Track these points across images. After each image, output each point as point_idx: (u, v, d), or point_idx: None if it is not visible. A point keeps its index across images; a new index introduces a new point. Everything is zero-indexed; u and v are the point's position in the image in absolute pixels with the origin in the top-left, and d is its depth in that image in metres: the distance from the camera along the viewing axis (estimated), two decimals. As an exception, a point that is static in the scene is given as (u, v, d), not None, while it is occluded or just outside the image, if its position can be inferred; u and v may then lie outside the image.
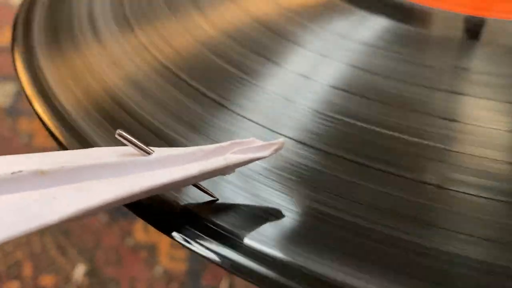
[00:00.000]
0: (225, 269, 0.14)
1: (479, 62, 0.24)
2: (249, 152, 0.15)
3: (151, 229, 0.61)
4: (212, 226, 0.15)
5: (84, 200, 0.13)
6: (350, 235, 0.16)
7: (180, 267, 0.56)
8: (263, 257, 0.14)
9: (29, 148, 0.72)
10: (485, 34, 0.26)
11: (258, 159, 0.15)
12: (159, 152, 0.14)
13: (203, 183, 0.15)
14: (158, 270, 0.56)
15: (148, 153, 0.14)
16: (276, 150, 0.15)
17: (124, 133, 0.14)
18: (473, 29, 0.27)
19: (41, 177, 0.13)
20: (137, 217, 0.56)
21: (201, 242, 0.14)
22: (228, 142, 0.15)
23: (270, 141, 0.15)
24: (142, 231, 0.60)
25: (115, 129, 0.21)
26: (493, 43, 0.26)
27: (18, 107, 0.80)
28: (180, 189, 0.15)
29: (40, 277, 0.56)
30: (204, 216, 0.15)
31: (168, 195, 0.15)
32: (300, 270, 0.15)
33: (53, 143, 0.69)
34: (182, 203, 0.16)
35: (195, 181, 0.15)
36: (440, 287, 0.15)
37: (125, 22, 0.28)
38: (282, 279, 0.14)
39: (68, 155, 0.15)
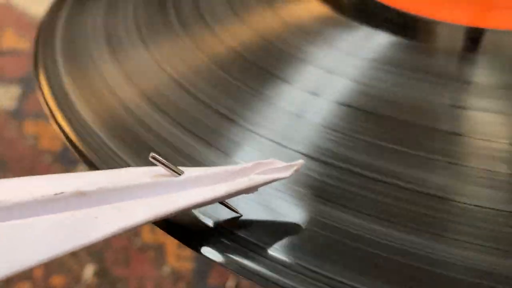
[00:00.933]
0: (251, 280, 0.15)
1: (481, 74, 0.25)
2: (271, 172, 0.16)
3: (158, 230, 0.62)
4: (237, 239, 0.16)
5: (123, 219, 0.14)
6: (357, 244, 0.17)
7: (187, 266, 0.57)
8: (285, 267, 0.15)
9: (35, 150, 0.73)
10: (486, 45, 0.27)
11: (280, 179, 0.16)
12: (188, 172, 0.15)
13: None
14: (166, 269, 0.57)
15: (179, 174, 0.15)
16: (296, 171, 0.16)
17: (157, 156, 0.15)
18: (474, 41, 0.28)
19: (81, 198, 0.14)
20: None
21: (231, 256, 0.15)
22: (251, 163, 0.16)
23: (290, 162, 0.16)
24: (149, 232, 0.61)
25: (131, 142, 0.22)
26: (494, 54, 0.27)
27: (23, 109, 0.80)
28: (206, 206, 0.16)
29: (51, 278, 0.57)
30: (230, 231, 0.16)
31: (195, 212, 0.16)
32: (316, 277, 0.16)
33: (58, 146, 0.69)
34: (209, 220, 0.17)
35: (221, 200, 0.16)
36: None
37: (139, 39, 0.29)
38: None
39: (102, 175, 0.16)
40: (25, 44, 0.96)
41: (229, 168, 0.16)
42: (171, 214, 0.15)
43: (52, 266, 0.58)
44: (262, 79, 0.24)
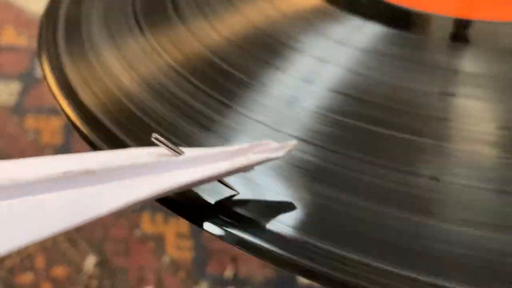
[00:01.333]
0: (247, 252, 0.16)
1: (469, 63, 0.26)
2: (266, 152, 0.17)
3: (158, 220, 0.62)
4: (235, 215, 0.16)
5: (128, 195, 0.15)
6: (349, 221, 0.18)
7: (186, 256, 0.58)
8: (280, 239, 0.17)
9: (36, 145, 0.74)
10: (473, 36, 0.28)
11: (274, 159, 0.17)
12: (189, 152, 0.16)
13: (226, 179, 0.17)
14: (165, 259, 0.58)
15: (180, 153, 0.16)
16: (290, 151, 0.17)
17: (158, 136, 0.16)
18: (462, 31, 0.29)
19: (89, 176, 0.15)
20: (144, 210, 0.57)
21: (229, 230, 0.16)
22: (248, 144, 0.17)
23: (284, 142, 0.17)
24: (149, 223, 0.62)
25: (132, 126, 0.23)
26: (481, 44, 0.28)
27: (24, 105, 0.81)
28: (206, 184, 0.17)
29: (53, 269, 0.58)
30: (228, 207, 0.17)
31: (195, 190, 0.17)
32: (309, 248, 0.17)
33: (59, 141, 0.69)
34: (210, 198, 0.18)
35: (220, 178, 0.17)
36: (431, 266, 0.17)
37: (137, 28, 0.29)
38: (295, 257, 0.16)
39: (108, 155, 0.17)
40: (24, 40, 0.97)
41: (227, 148, 0.17)
42: (173, 190, 0.16)
43: (54, 257, 0.59)
44: (256, 67, 0.25)
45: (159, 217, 0.62)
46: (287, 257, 0.16)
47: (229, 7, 0.30)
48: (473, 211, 0.19)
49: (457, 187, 0.20)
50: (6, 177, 0.14)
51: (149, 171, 0.16)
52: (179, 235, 0.60)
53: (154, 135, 0.16)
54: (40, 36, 0.29)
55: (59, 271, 0.58)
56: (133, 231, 0.61)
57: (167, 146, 0.16)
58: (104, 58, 0.27)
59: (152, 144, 0.17)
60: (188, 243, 0.59)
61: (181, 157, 0.16)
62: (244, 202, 0.17)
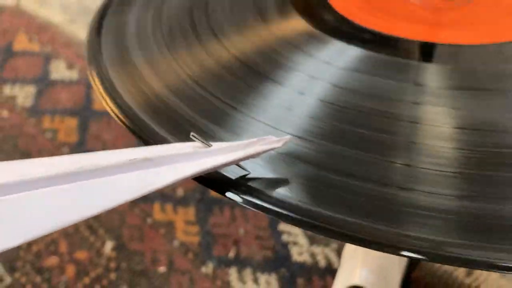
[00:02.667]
0: (257, 210, 0.22)
1: (432, 79, 0.33)
2: (269, 144, 0.23)
3: (168, 209, 0.69)
4: (248, 187, 0.23)
5: (175, 174, 0.22)
6: (335, 190, 0.24)
7: (194, 240, 0.65)
8: (285, 204, 0.23)
9: (54, 143, 0.80)
10: (437, 56, 0.35)
11: (275, 148, 0.23)
12: (215, 145, 0.23)
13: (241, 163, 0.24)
14: (176, 243, 0.65)
15: (209, 146, 0.23)
16: (286, 143, 0.24)
17: (195, 134, 0.22)
18: (427, 53, 0.35)
19: (148, 162, 0.22)
20: (155, 200, 0.64)
21: (243, 196, 0.22)
22: (256, 138, 0.23)
23: (281, 137, 0.24)
24: (160, 212, 0.68)
25: (161, 120, 0.29)
26: (443, 63, 0.34)
27: (40, 107, 0.87)
28: (228, 167, 0.23)
29: (75, 253, 0.65)
30: (243, 182, 0.23)
31: (220, 170, 0.24)
32: (297, 206, 0.23)
33: (75, 139, 0.76)
34: (229, 175, 0.24)
35: (236, 163, 0.23)
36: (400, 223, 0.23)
37: (164, 46, 0.36)
38: (297, 216, 0.23)
39: (160, 147, 0.23)
40: (36, 46, 1.03)
41: (241, 142, 0.23)
42: (205, 171, 0.22)
43: (76, 242, 0.65)
44: (259, 80, 0.31)
45: (169, 206, 0.69)
46: (281, 212, 0.22)
47: (236, 32, 0.37)
48: (435, 186, 0.25)
49: (423, 171, 0.26)
50: (91, 163, 0.21)
51: (189, 158, 0.22)
52: (187, 222, 0.67)
53: (192, 133, 0.22)
54: (89, 53, 0.35)
55: (82, 255, 0.64)
56: (146, 219, 0.67)
57: (201, 141, 0.23)
58: (140, 69, 0.34)
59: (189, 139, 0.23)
60: (195, 229, 0.66)
61: (210, 149, 0.23)
62: (253, 179, 0.23)
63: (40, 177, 0.20)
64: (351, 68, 0.31)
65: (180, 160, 0.23)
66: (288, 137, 0.24)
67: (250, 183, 0.24)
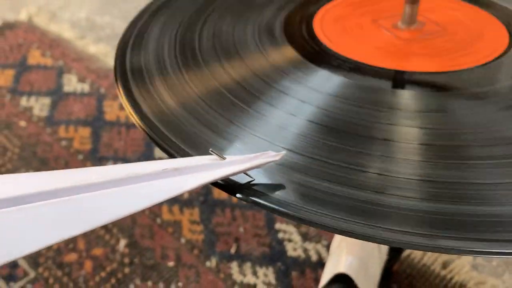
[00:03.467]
0: (259, 206, 0.28)
1: (404, 101, 0.39)
2: (268, 158, 0.30)
3: (175, 211, 0.75)
4: (251, 190, 0.29)
5: (198, 181, 0.28)
6: (323, 194, 0.30)
7: (199, 238, 0.71)
8: (282, 203, 0.29)
9: (69, 150, 0.86)
10: (408, 82, 0.41)
11: (273, 161, 0.30)
12: (228, 158, 0.29)
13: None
14: (183, 241, 0.71)
15: (224, 159, 0.29)
16: (281, 157, 0.30)
17: (213, 150, 0.29)
18: (400, 79, 0.41)
19: (176, 171, 0.28)
20: (163, 202, 0.70)
21: (250, 197, 0.29)
22: (259, 153, 0.30)
23: (278, 152, 0.30)
24: (168, 213, 0.75)
25: (175, 130, 0.35)
26: (413, 88, 0.40)
27: (55, 117, 0.93)
28: (237, 175, 0.30)
29: (92, 250, 0.71)
30: (248, 186, 0.29)
31: (232, 178, 0.30)
32: (291, 205, 0.29)
33: (88, 147, 0.82)
34: (238, 181, 0.30)
35: (244, 172, 0.30)
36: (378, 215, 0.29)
37: (177, 68, 0.42)
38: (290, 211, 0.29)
39: (185, 159, 0.29)
40: (49, 60, 1.09)
41: (247, 156, 0.30)
42: (221, 178, 0.29)
43: (92, 241, 0.72)
44: (255, 102, 0.37)
45: (176, 208, 0.75)
46: (278, 209, 0.28)
47: (237, 58, 0.43)
48: (403, 190, 0.31)
49: (395, 178, 0.32)
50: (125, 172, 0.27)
51: (208, 168, 0.29)
52: (192, 222, 0.73)
53: (211, 149, 0.29)
54: (115, 71, 0.41)
55: (98, 251, 0.70)
56: (156, 219, 0.74)
57: (217, 154, 0.29)
58: (157, 87, 0.40)
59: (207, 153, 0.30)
60: (199, 228, 0.72)
61: (224, 161, 0.29)
62: (257, 184, 0.30)
63: (98, 182, 0.27)
64: (334, 94, 0.38)
65: (201, 170, 0.29)
66: (283, 152, 0.31)
67: (254, 187, 0.30)
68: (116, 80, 0.42)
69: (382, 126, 0.36)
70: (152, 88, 0.41)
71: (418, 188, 0.32)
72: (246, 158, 0.30)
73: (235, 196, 0.30)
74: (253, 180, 0.31)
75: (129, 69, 0.43)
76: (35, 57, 1.10)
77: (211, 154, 0.30)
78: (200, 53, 0.45)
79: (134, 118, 0.38)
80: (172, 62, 0.44)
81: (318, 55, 0.43)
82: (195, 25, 0.48)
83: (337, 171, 0.33)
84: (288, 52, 0.44)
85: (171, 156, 0.34)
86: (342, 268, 0.48)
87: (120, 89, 0.41)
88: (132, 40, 0.47)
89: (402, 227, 0.29)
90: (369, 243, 0.52)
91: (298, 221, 0.29)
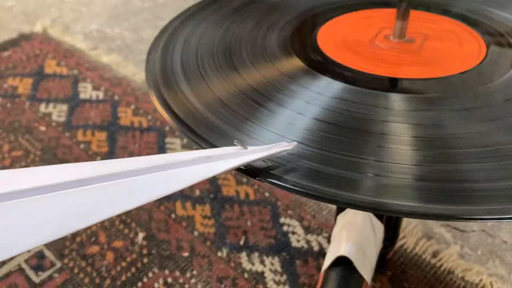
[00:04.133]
0: (276, 186, 0.34)
1: (397, 103, 0.45)
2: (282, 147, 0.36)
3: (188, 206, 0.81)
4: (269, 173, 0.35)
5: (226, 166, 0.34)
6: (328, 176, 0.36)
7: (210, 231, 0.77)
8: (294, 183, 0.35)
9: (87, 152, 0.92)
10: (399, 87, 0.47)
11: (287, 150, 0.36)
12: (250, 148, 0.35)
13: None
14: (196, 233, 0.77)
15: (246, 148, 0.35)
16: (293, 146, 0.36)
17: (237, 140, 0.35)
18: (392, 85, 0.48)
19: (208, 159, 0.34)
20: (177, 199, 0.77)
21: (268, 179, 0.35)
22: (275, 144, 0.36)
23: (290, 142, 0.36)
24: (181, 208, 0.81)
25: (200, 126, 0.41)
26: (403, 92, 0.47)
27: (72, 122, 0.99)
28: (257, 162, 0.36)
29: (113, 243, 0.76)
30: (266, 170, 0.36)
31: (252, 164, 0.36)
32: (303, 185, 0.35)
33: (105, 149, 0.88)
34: (258, 166, 0.36)
35: (263, 159, 0.36)
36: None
37: (200, 74, 0.48)
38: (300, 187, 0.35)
39: (215, 150, 0.36)
40: (64, 69, 1.15)
41: (266, 145, 0.36)
42: (244, 164, 0.35)
43: (113, 234, 0.77)
44: (268, 103, 0.44)
45: (188, 204, 0.81)
46: (291, 187, 0.34)
47: (251, 67, 0.50)
48: (398, 173, 0.37)
49: (389, 164, 0.38)
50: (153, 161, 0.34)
51: (234, 156, 0.35)
52: (204, 216, 0.79)
53: (235, 141, 0.35)
54: (147, 77, 0.48)
55: (118, 244, 0.76)
56: (170, 215, 0.80)
57: (240, 145, 0.35)
58: (183, 90, 0.46)
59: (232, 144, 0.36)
60: (211, 222, 0.78)
61: (246, 150, 0.35)
62: (273, 168, 0.36)
63: (145, 167, 0.33)
64: (336, 97, 0.44)
65: (229, 157, 0.35)
66: (295, 143, 0.37)
67: (271, 171, 0.37)
68: (148, 84, 0.48)
69: (377, 123, 0.42)
70: (179, 91, 0.47)
71: (409, 171, 0.38)
72: (264, 147, 0.37)
73: (255, 178, 0.36)
74: (270, 166, 0.37)
75: (159, 75, 0.49)
76: (51, 67, 1.16)
77: (235, 145, 0.36)
78: (219, 62, 0.51)
79: (167, 117, 0.44)
80: (195, 69, 0.50)
81: (321, 64, 0.49)
82: (214, 38, 0.55)
83: (338, 158, 0.39)
84: (295, 62, 0.50)
85: (200, 147, 0.40)
86: (342, 252, 0.54)
87: (152, 92, 0.47)
88: (160, 50, 0.53)
89: (396, 200, 0.35)
90: (366, 230, 0.58)
91: (306, 195, 0.35)
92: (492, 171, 0.36)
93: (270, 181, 0.36)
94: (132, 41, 1.25)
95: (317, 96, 0.44)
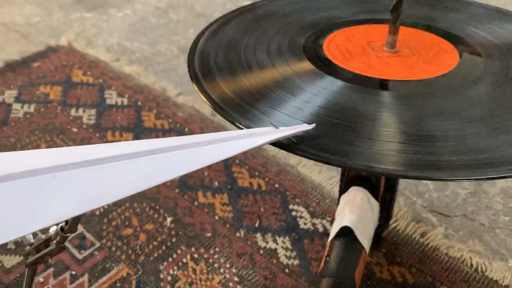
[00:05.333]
0: (300, 155, 0.44)
1: (386, 98, 0.57)
2: (305, 127, 0.47)
3: (208, 195, 0.92)
4: (295, 147, 0.47)
5: (263, 140, 0.45)
6: (330, 148, 0.48)
7: (229, 215, 0.88)
8: (312, 153, 0.45)
9: (117, 151, 1.03)
10: (390, 87, 0.59)
11: (308, 129, 0.48)
12: (280, 127, 0.47)
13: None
14: (216, 218, 0.88)
15: (277, 128, 0.47)
16: (313, 127, 0.48)
17: (272, 122, 0.46)
18: (383, 85, 0.60)
19: (251, 135, 0.46)
20: (198, 189, 0.90)
21: (295, 151, 0.46)
22: (299, 125, 0.47)
23: (310, 125, 0.48)
24: (203, 197, 0.92)
25: (232, 109, 0.53)
26: (394, 90, 0.59)
27: (101, 125, 1.11)
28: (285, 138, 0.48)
29: (145, 225, 0.87)
30: (292, 145, 0.47)
31: (281, 140, 0.48)
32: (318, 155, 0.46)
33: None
34: (284, 142, 0.48)
35: (289, 136, 0.47)
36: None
37: (230, 70, 0.60)
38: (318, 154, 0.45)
39: (255, 129, 0.47)
40: (90, 78, 1.27)
41: (292, 126, 0.47)
42: (276, 140, 0.46)
43: (144, 219, 0.88)
44: (283, 93, 0.55)
45: (209, 193, 0.92)
46: (309, 156, 0.46)
47: (270, 66, 0.61)
48: (387, 149, 0.49)
49: (380, 141, 0.50)
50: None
51: (268, 133, 0.46)
52: (223, 204, 0.90)
53: (270, 122, 0.46)
54: (190, 73, 0.59)
55: (149, 226, 0.86)
56: (194, 202, 0.91)
57: (274, 125, 0.47)
58: (217, 80, 0.58)
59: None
60: (229, 208, 0.89)
61: (277, 130, 0.47)
62: (297, 143, 0.47)
63: (205, 140, 0.44)
64: (337, 92, 0.56)
65: (265, 134, 0.47)
66: (314, 124, 0.49)
67: (296, 145, 0.48)
68: (191, 78, 0.60)
69: (371, 111, 0.54)
70: (216, 83, 0.59)
71: (393, 147, 0.49)
72: (291, 128, 0.48)
73: (285, 150, 0.48)
74: (295, 141, 0.49)
75: (199, 71, 0.61)
76: (78, 76, 1.27)
77: (269, 126, 0.48)
78: (245, 61, 0.63)
79: (208, 104, 0.56)
80: (226, 65, 0.62)
81: (326, 67, 0.61)
82: (240, 42, 0.67)
83: (340, 136, 0.50)
84: (306, 64, 0.62)
85: (237, 127, 0.52)
86: (345, 223, 0.66)
87: (195, 84, 0.59)
88: (198, 53, 0.65)
89: (382, 165, 0.46)
90: (364, 206, 0.70)
91: (318, 161, 0.46)
92: (453, 149, 0.48)
93: (295, 152, 0.48)
94: (150, 53, 1.37)
95: (322, 90, 0.56)
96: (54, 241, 0.52)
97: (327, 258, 0.65)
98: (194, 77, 0.60)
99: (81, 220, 0.75)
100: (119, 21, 1.55)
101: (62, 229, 0.50)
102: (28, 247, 0.55)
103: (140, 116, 1.12)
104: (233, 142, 0.45)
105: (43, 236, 0.53)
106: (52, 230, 0.53)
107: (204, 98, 0.56)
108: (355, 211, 0.67)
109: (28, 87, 1.24)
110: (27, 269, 0.56)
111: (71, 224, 0.49)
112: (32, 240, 0.54)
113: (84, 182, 0.40)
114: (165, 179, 0.42)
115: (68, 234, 0.50)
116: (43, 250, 0.54)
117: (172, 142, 0.44)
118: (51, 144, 1.04)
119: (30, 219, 0.37)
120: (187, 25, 1.52)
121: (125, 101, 1.17)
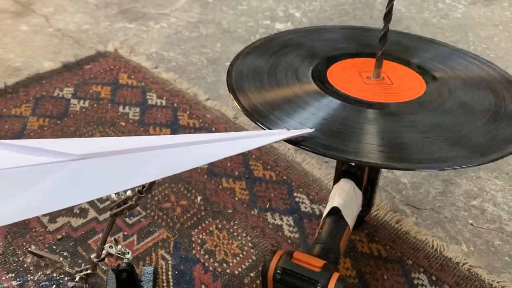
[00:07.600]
0: (305, 149, 0.64)
1: (372, 115, 0.78)
2: (307, 131, 0.68)
3: (230, 181, 1.14)
4: (300, 143, 0.67)
5: (277, 138, 0.66)
6: (331, 145, 0.68)
7: (246, 198, 1.10)
8: (315, 149, 0.66)
9: (157, 142, 1.25)
10: (374, 106, 0.80)
11: (309, 132, 0.68)
12: (291, 130, 0.67)
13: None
14: (236, 198, 1.10)
15: (288, 130, 0.67)
16: (312, 131, 0.69)
17: (286, 125, 0.67)
18: (370, 105, 0.81)
19: (268, 134, 0.67)
20: (222, 177, 1.15)
21: (302, 147, 0.67)
22: (303, 129, 0.68)
23: (311, 128, 0.68)
24: (225, 182, 1.13)
25: (260, 116, 0.73)
26: (377, 109, 0.80)
27: (144, 121, 1.33)
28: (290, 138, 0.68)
29: (180, 201, 1.09)
30: (298, 142, 0.67)
31: (291, 139, 0.68)
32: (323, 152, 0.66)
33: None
34: (295, 140, 0.68)
35: (297, 137, 0.68)
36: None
37: (257, 86, 0.82)
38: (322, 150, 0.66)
39: (272, 130, 0.68)
40: (134, 81, 1.49)
41: (301, 129, 0.68)
42: (287, 139, 0.67)
43: (180, 196, 1.10)
44: (296, 107, 0.77)
45: (230, 180, 1.14)
46: (313, 151, 0.67)
47: (285, 85, 0.83)
48: (371, 150, 0.70)
49: (364, 144, 0.71)
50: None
51: (281, 133, 0.67)
52: (242, 189, 1.12)
53: (284, 125, 0.68)
54: (227, 82, 0.81)
55: (184, 202, 1.08)
56: (218, 186, 1.13)
57: (286, 128, 0.68)
58: (247, 92, 0.80)
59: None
60: (246, 192, 1.11)
61: (288, 131, 0.68)
62: (303, 141, 0.68)
63: (230, 137, 0.66)
64: (335, 108, 0.78)
65: (280, 134, 0.69)
66: (314, 129, 0.71)
67: (302, 143, 0.70)
68: (229, 90, 0.82)
69: (359, 123, 0.75)
70: (247, 95, 0.81)
71: (375, 148, 0.70)
72: (300, 130, 0.70)
73: (295, 145, 0.70)
74: (301, 140, 0.70)
75: (234, 84, 0.83)
76: (124, 79, 1.50)
77: (283, 128, 0.70)
78: (266, 80, 0.85)
79: (241, 109, 0.78)
80: (254, 82, 0.84)
81: (328, 89, 0.83)
82: (264, 65, 0.89)
83: (335, 139, 0.72)
84: (313, 86, 0.84)
85: (262, 129, 0.74)
86: (335, 204, 0.87)
87: (231, 94, 0.81)
88: (234, 71, 0.87)
89: (366, 159, 0.67)
90: (350, 194, 0.91)
91: (319, 154, 0.68)
92: (420, 148, 0.69)
93: (303, 148, 0.69)
94: (183, 63, 1.60)
95: (324, 106, 0.78)
96: (133, 199, 0.75)
97: (320, 230, 0.87)
98: (231, 89, 0.82)
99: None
100: (157, 32, 1.77)
101: (139, 191, 0.73)
102: (111, 204, 0.77)
103: (176, 116, 1.34)
104: (254, 138, 0.67)
105: (123, 196, 0.76)
106: (128, 192, 0.76)
107: (237, 105, 0.78)
108: (343, 196, 0.88)
109: (82, 85, 1.47)
110: (110, 218, 0.79)
111: (147, 188, 0.72)
112: (115, 198, 0.76)
113: (158, 159, 0.62)
114: (203, 163, 0.64)
115: (143, 195, 0.73)
116: (122, 206, 0.76)
117: (208, 137, 0.66)
118: (103, 134, 1.27)
119: (125, 181, 0.59)
120: (215, 40, 1.74)
121: (164, 102, 1.39)
